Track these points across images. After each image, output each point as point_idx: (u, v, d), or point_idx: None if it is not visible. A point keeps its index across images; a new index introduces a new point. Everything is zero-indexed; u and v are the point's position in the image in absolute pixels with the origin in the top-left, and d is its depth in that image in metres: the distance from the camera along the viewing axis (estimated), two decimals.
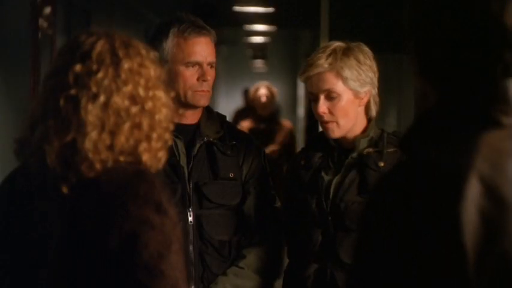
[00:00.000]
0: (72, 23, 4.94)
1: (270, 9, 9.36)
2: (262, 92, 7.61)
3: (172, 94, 1.78)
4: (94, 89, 1.64)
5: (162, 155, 1.71)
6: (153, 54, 1.76)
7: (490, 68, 1.18)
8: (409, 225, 1.09)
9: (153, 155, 1.68)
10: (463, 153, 1.11)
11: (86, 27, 5.28)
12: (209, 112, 2.72)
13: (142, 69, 1.69)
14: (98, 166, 1.61)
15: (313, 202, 2.59)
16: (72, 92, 1.64)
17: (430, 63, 1.23)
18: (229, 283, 2.61)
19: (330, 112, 2.56)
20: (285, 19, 10.38)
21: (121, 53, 1.68)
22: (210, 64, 2.63)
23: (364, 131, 2.61)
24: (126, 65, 1.67)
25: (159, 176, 1.68)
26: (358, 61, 2.57)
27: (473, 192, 1.08)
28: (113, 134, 1.63)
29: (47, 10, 4.17)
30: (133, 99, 1.66)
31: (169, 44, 2.61)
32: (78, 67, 1.66)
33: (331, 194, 2.57)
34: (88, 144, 1.61)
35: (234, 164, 2.68)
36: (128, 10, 6.85)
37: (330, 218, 2.56)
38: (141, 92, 1.67)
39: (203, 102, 2.63)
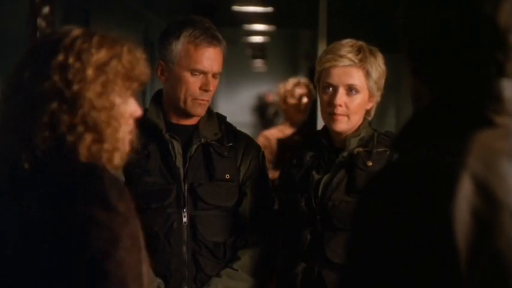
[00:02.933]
0: (71, 22, 4.94)
1: (269, 9, 9.36)
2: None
3: (136, 85, 1.75)
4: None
5: (119, 155, 1.71)
6: (109, 53, 1.69)
7: (483, 68, 1.18)
8: (402, 224, 1.09)
9: (109, 157, 1.68)
10: (456, 153, 1.12)
11: (84, 26, 5.27)
12: (209, 113, 2.72)
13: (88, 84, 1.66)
14: (46, 166, 1.62)
15: (302, 201, 2.59)
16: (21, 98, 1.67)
17: (423, 63, 1.23)
18: (222, 284, 2.61)
19: (346, 106, 2.55)
20: (284, 19, 10.39)
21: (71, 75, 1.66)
22: (215, 75, 2.63)
23: (356, 130, 2.61)
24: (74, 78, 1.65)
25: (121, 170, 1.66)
26: (380, 65, 2.59)
27: (465, 191, 1.08)
28: (61, 136, 1.63)
29: (46, 10, 4.16)
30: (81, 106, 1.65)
31: (178, 46, 2.60)
32: (27, 73, 1.68)
33: (320, 193, 2.57)
34: (42, 145, 1.62)
35: (231, 165, 2.68)
36: (127, 10, 6.85)
37: (318, 217, 2.56)
38: (91, 99, 1.65)
39: (200, 111, 2.63)
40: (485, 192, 1.09)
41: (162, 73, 2.64)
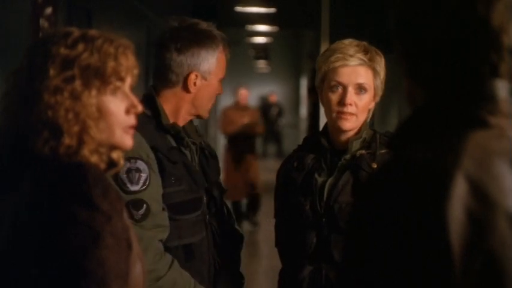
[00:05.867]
0: (73, 23, 4.94)
1: (272, 10, 9.37)
2: None
3: (116, 81, 1.75)
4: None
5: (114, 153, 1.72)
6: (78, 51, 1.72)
7: (477, 69, 1.18)
8: (397, 224, 1.10)
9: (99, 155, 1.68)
10: (450, 152, 1.12)
11: (87, 27, 5.27)
12: None
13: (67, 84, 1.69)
14: (47, 168, 1.63)
15: (307, 204, 2.58)
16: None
17: (417, 64, 1.23)
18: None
19: (355, 105, 2.56)
20: (287, 19, 10.39)
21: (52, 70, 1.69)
22: None
23: (357, 132, 2.60)
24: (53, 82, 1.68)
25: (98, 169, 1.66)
26: (383, 65, 2.59)
27: (459, 191, 1.08)
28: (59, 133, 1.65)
29: (48, 10, 4.17)
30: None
31: (214, 56, 2.57)
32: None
33: (325, 195, 2.56)
34: (35, 145, 1.64)
35: (217, 167, 2.70)
36: (129, 10, 6.85)
37: (324, 219, 2.55)
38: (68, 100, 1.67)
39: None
40: (479, 192, 1.09)
41: (194, 83, 2.57)
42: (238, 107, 10.35)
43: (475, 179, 1.09)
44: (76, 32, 1.72)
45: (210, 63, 2.56)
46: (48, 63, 1.67)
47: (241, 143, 9.86)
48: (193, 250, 2.53)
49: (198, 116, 2.63)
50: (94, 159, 1.66)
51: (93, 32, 1.73)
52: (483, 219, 1.08)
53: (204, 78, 2.57)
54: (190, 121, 2.67)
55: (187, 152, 2.57)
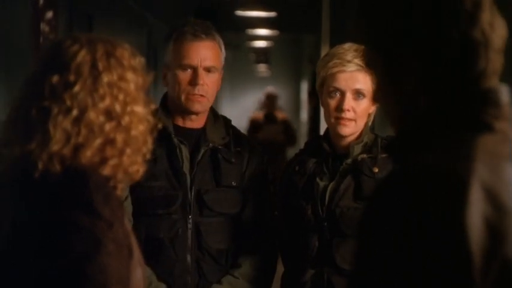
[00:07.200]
0: (74, 27, 4.95)
1: (272, 14, 9.37)
2: None
3: (153, 106, 1.77)
4: (68, 103, 1.63)
5: (136, 170, 1.71)
6: (138, 62, 1.73)
7: (481, 73, 1.18)
8: (413, 232, 1.08)
9: (123, 170, 1.68)
10: (463, 159, 1.11)
11: (87, 31, 5.28)
12: (215, 116, 2.69)
13: (122, 82, 1.68)
14: (49, 172, 1.62)
15: (308, 208, 2.58)
16: (46, 103, 1.64)
17: (420, 68, 1.23)
18: None
19: (353, 110, 2.56)
20: (287, 23, 10.40)
21: (101, 66, 1.66)
22: (207, 69, 2.58)
23: (359, 136, 2.61)
24: (105, 78, 1.66)
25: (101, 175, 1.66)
26: None
27: (476, 199, 1.07)
28: (79, 147, 1.62)
29: (49, 14, 4.17)
30: (109, 114, 1.65)
31: (170, 47, 2.60)
32: (55, 78, 1.65)
33: (327, 199, 2.57)
34: (44, 157, 1.62)
35: (237, 171, 2.65)
36: (129, 14, 6.86)
37: (325, 223, 2.56)
38: (118, 107, 1.66)
39: (196, 108, 2.58)
40: (494, 199, 1.08)
41: (164, 77, 2.64)
42: (267, 111, 9.62)
43: (489, 185, 1.09)
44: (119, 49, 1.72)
45: (169, 54, 2.61)
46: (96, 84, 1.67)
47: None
48: (163, 246, 2.54)
49: (183, 110, 2.61)
50: (107, 171, 1.67)
51: (119, 49, 1.73)
52: (498, 225, 1.07)
53: (167, 70, 2.62)
54: (216, 120, 2.68)
55: (178, 151, 2.58)
